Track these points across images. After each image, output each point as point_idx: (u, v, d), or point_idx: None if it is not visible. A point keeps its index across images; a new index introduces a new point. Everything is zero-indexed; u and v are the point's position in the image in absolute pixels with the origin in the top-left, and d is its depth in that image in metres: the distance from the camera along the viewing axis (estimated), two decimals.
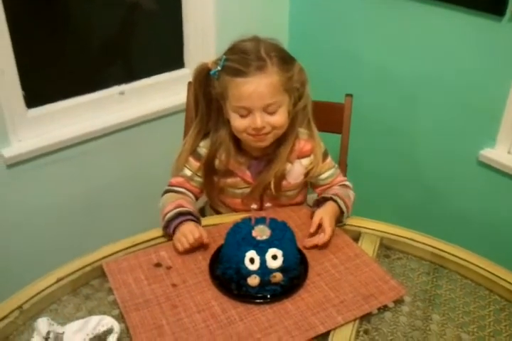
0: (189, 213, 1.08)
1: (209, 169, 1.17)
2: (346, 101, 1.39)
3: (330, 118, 1.34)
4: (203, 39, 1.70)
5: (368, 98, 1.67)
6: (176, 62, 1.74)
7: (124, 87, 1.64)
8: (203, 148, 1.17)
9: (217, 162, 1.16)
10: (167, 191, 1.18)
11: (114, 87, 1.63)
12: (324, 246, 1.06)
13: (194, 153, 1.18)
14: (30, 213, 1.56)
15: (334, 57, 1.76)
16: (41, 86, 1.53)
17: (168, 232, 1.08)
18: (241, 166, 1.17)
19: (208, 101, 1.13)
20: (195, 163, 1.18)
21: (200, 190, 1.21)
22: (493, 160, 1.47)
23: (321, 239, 1.06)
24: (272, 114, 1.07)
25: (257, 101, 1.04)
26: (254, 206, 0.97)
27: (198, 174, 1.18)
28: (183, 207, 1.10)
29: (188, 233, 1.03)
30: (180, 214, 1.08)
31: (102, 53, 1.68)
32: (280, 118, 1.08)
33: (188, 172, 1.19)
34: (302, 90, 1.12)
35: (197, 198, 1.22)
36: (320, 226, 1.08)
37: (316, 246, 1.06)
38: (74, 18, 1.59)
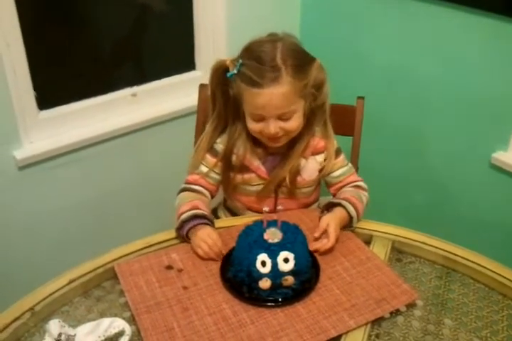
0: (204, 216, 1.08)
1: (227, 165, 1.18)
2: (358, 103, 1.39)
3: (341, 120, 1.33)
4: (214, 41, 1.70)
5: (379, 99, 1.67)
6: (187, 64, 1.74)
7: (136, 88, 1.65)
8: (220, 144, 1.18)
9: (234, 157, 1.17)
10: (183, 189, 1.18)
11: (126, 88, 1.63)
12: (326, 252, 1.05)
13: (211, 149, 1.18)
14: (42, 214, 1.56)
15: (346, 59, 1.75)
16: (53, 88, 1.54)
17: (182, 234, 1.08)
18: (256, 161, 1.17)
19: (225, 98, 1.13)
20: (211, 159, 1.19)
21: (216, 188, 1.22)
22: (505, 163, 1.45)
23: (324, 245, 1.05)
24: (286, 120, 1.07)
25: (271, 111, 1.05)
26: (266, 208, 0.97)
27: (215, 170, 1.19)
28: (198, 209, 1.10)
29: (206, 237, 1.03)
30: (195, 216, 1.07)
31: (114, 55, 1.69)
32: (294, 123, 1.09)
33: (204, 169, 1.19)
34: (319, 92, 1.11)
35: (212, 196, 1.22)
36: (325, 232, 1.07)
37: (316, 251, 1.05)
38: (86, 19, 1.60)
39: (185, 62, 1.74)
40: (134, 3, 1.65)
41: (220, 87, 1.11)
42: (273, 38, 1.08)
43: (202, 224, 1.07)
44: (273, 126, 1.06)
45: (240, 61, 1.06)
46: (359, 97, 1.39)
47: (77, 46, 1.58)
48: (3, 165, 1.44)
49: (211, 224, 1.09)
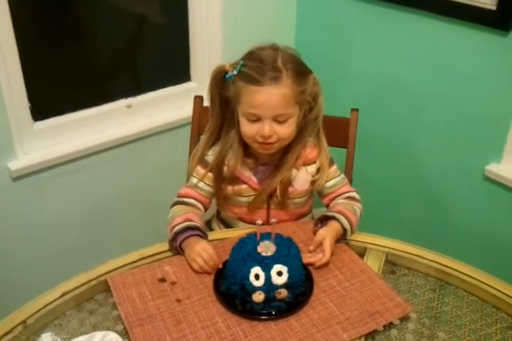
0: (197, 228, 1.09)
1: (218, 176, 1.18)
2: (352, 115, 1.40)
3: (336, 132, 1.34)
4: (210, 52, 1.71)
5: (373, 112, 1.67)
6: (182, 75, 1.75)
7: (130, 100, 1.65)
8: (211, 156, 1.19)
9: (225, 169, 1.17)
10: (176, 203, 1.19)
11: (121, 100, 1.64)
12: (320, 266, 1.05)
13: (202, 160, 1.19)
14: (36, 226, 1.56)
15: (340, 71, 1.76)
16: (48, 99, 1.54)
17: (175, 245, 1.08)
18: (248, 172, 1.18)
19: (222, 102, 1.14)
20: (201, 171, 1.20)
21: (208, 200, 1.22)
22: (498, 175, 1.46)
23: (319, 259, 1.05)
24: (280, 123, 1.08)
25: (268, 111, 1.06)
26: (259, 221, 0.97)
27: (205, 182, 1.19)
28: (191, 221, 1.10)
29: (202, 251, 1.03)
30: (188, 228, 1.08)
31: (109, 66, 1.69)
32: (288, 129, 1.10)
33: (194, 180, 1.20)
34: (314, 102, 1.13)
35: (206, 208, 1.22)
36: (320, 245, 1.07)
37: (310, 265, 1.04)
38: (81, 31, 1.60)
39: (180, 73, 1.75)
40: (130, 15, 1.66)
41: (219, 92, 1.13)
42: (273, 47, 1.10)
43: (195, 235, 1.07)
44: (268, 128, 1.07)
45: (241, 62, 1.08)
46: (353, 109, 1.40)
47: (72, 57, 1.58)
48: None
49: (204, 236, 1.09)
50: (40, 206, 1.55)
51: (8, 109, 1.39)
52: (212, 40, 1.69)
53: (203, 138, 1.22)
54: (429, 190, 1.68)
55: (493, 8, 1.33)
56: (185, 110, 1.61)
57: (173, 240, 1.08)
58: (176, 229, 1.08)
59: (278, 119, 1.07)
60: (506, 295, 1.01)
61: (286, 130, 1.09)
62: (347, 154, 1.41)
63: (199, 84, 1.74)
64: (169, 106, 1.70)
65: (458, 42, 1.45)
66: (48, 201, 1.55)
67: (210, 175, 1.19)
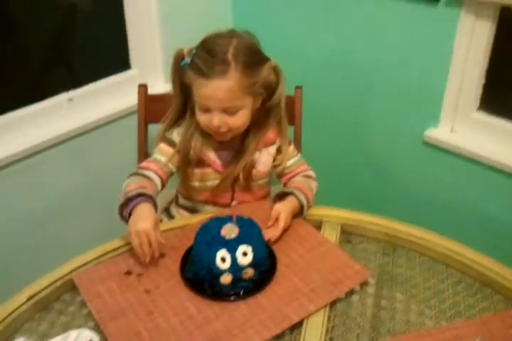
0: (150, 197, 1.06)
1: (185, 159, 1.18)
2: (296, 93, 1.42)
3: None
4: (148, 38, 1.67)
5: (318, 87, 1.70)
6: (122, 63, 1.71)
7: (71, 93, 1.60)
8: (177, 136, 1.18)
9: (191, 152, 1.17)
10: (134, 174, 1.15)
11: (61, 94, 1.58)
12: (276, 240, 1.08)
13: (166, 139, 1.18)
14: None
15: (282, 50, 1.75)
16: None
17: (125, 214, 1.05)
18: (212, 154, 1.18)
19: (182, 86, 1.14)
20: (167, 149, 1.18)
21: (166, 178, 1.19)
22: (437, 139, 1.52)
23: (274, 234, 1.08)
24: (231, 114, 1.09)
25: (216, 104, 1.07)
26: (234, 203, 0.99)
27: (171, 161, 1.18)
28: (146, 189, 1.07)
29: (142, 233, 0.98)
30: (141, 194, 1.05)
31: (44, 60, 1.63)
32: (238, 120, 1.11)
33: (158, 157, 1.18)
34: (271, 91, 1.13)
35: (162, 186, 1.18)
36: (277, 220, 1.10)
37: (269, 241, 1.07)
38: (10, 25, 1.53)
39: (119, 61, 1.71)
40: (60, 5, 1.60)
41: (178, 76, 1.13)
42: (230, 34, 1.09)
43: (146, 202, 1.03)
44: (217, 119, 1.08)
45: (194, 51, 1.07)
46: (297, 87, 1.42)
47: (3, 54, 1.51)
48: None
49: (155, 207, 1.06)
50: None
51: None
52: (150, 24, 1.65)
53: (166, 120, 1.20)
54: (373, 159, 1.73)
55: None
56: (129, 99, 1.58)
57: (124, 206, 1.05)
58: (130, 194, 1.04)
59: (227, 111, 1.08)
60: (454, 251, 1.08)
61: (236, 121, 1.10)
62: (294, 131, 1.43)
63: (140, 70, 1.71)
64: (112, 96, 1.66)
65: (393, 13, 1.49)
66: None
67: (176, 156, 1.18)
